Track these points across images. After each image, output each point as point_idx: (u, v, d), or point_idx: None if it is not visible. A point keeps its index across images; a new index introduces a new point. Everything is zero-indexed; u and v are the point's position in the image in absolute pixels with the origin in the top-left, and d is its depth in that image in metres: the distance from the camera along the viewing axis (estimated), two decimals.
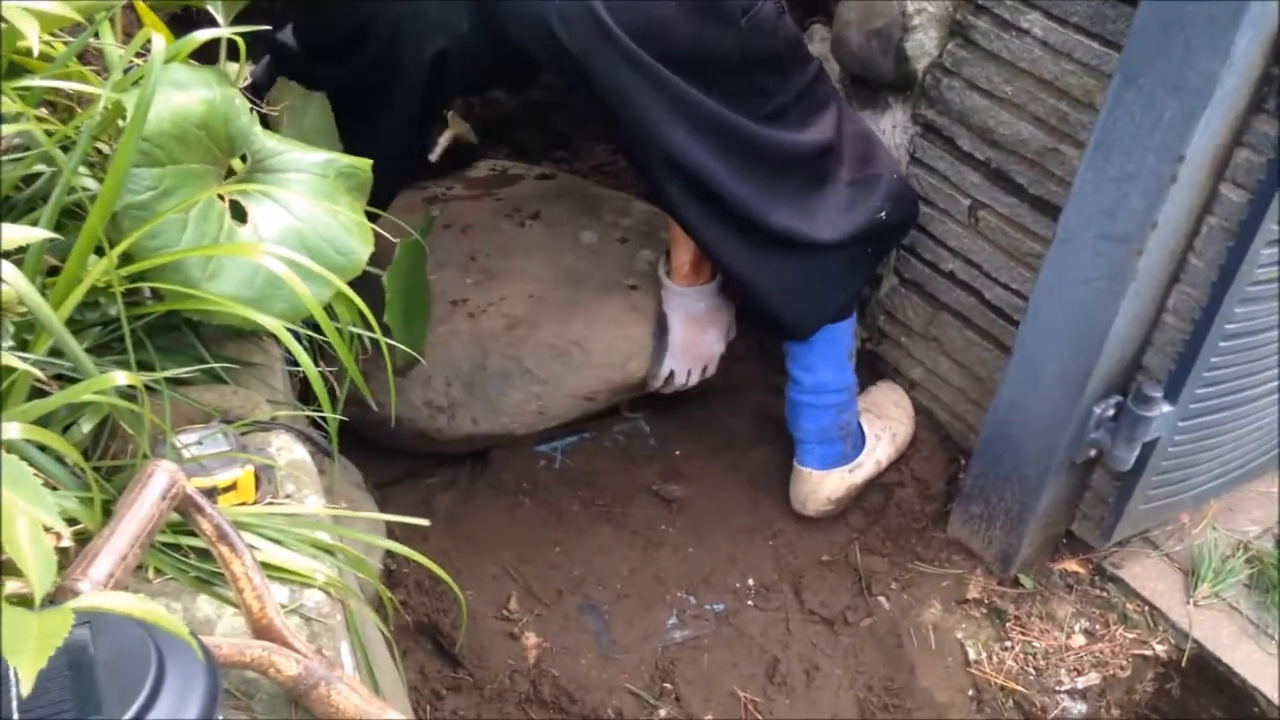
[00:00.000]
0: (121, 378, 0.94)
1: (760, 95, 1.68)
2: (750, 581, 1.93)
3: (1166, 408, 1.61)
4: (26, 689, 0.57)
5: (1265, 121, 1.39)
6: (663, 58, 1.55)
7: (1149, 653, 1.83)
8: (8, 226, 0.81)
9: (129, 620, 0.72)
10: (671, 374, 2.01)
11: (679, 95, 1.59)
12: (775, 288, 1.85)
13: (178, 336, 1.23)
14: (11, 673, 0.67)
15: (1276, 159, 1.39)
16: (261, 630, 0.96)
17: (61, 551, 0.95)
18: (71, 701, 0.71)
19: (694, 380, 2.04)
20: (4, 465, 0.65)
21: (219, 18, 1.24)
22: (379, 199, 1.41)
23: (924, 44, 1.84)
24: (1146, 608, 1.87)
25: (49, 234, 0.87)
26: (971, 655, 1.83)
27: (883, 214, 1.83)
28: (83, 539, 0.96)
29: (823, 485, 1.97)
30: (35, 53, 0.94)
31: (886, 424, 2.07)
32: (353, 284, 1.24)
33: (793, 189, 1.76)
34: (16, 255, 1.01)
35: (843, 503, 2.01)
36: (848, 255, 1.85)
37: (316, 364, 1.18)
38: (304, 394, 1.35)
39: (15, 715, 0.66)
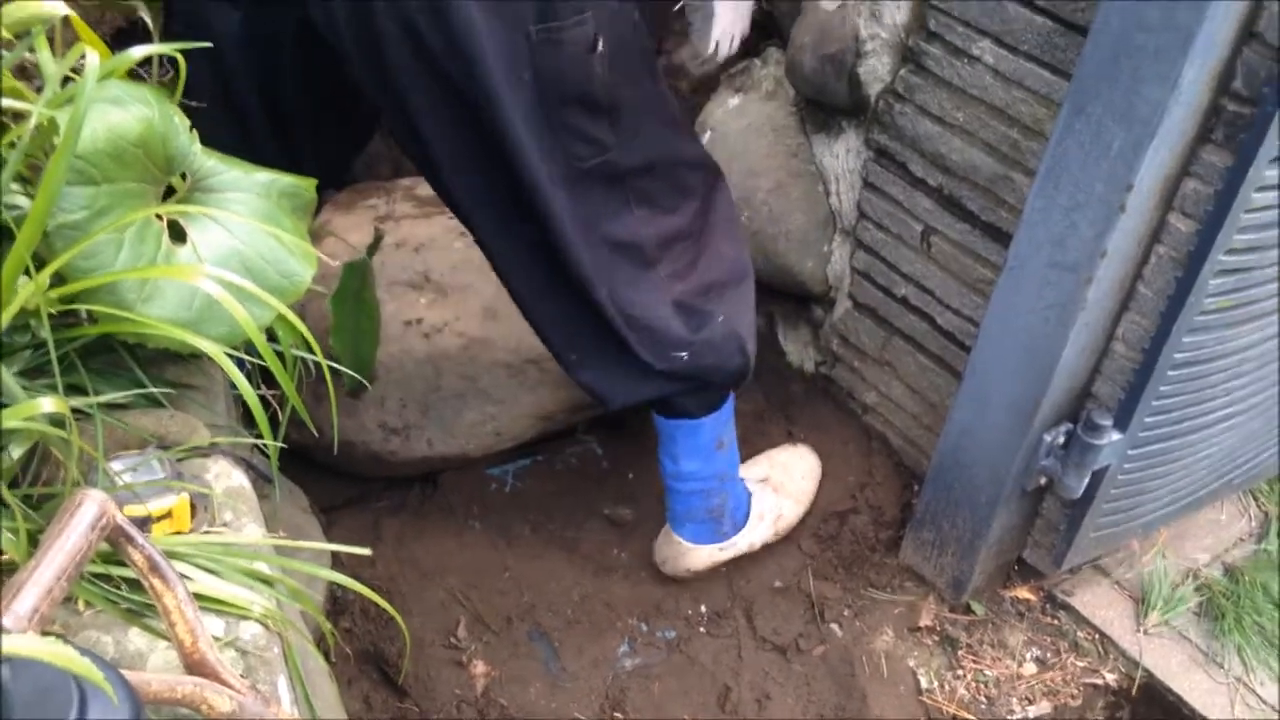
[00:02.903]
0: (48, 404, 0.91)
1: (578, 139, 1.45)
2: (702, 608, 1.91)
3: (1116, 436, 1.61)
4: None
5: (1213, 152, 1.40)
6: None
7: (1100, 681, 1.83)
8: None
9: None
10: (716, 45, 1.81)
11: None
12: (568, 345, 1.65)
13: (114, 359, 1.20)
14: None
15: (1224, 189, 1.40)
16: (194, 665, 0.93)
17: None
18: None
19: (734, 48, 1.82)
20: None
21: (148, 20, 1.21)
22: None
23: (877, 69, 1.84)
24: (1097, 636, 1.87)
25: None
26: (923, 683, 1.83)
27: (683, 355, 1.62)
28: (8, 571, 0.92)
29: (687, 556, 1.89)
30: None
31: (777, 503, 1.97)
32: (300, 304, 1.22)
33: (610, 254, 1.55)
34: None
35: (702, 575, 1.92)
36: (650, 373, 1.63)
37: (260, 387, 1.15)
38: (248, 417, 1.32)
39: None
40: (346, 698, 1.65)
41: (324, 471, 1.94)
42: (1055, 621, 1.91)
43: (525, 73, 1.36)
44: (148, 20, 1.25)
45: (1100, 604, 1.91)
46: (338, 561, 1.69)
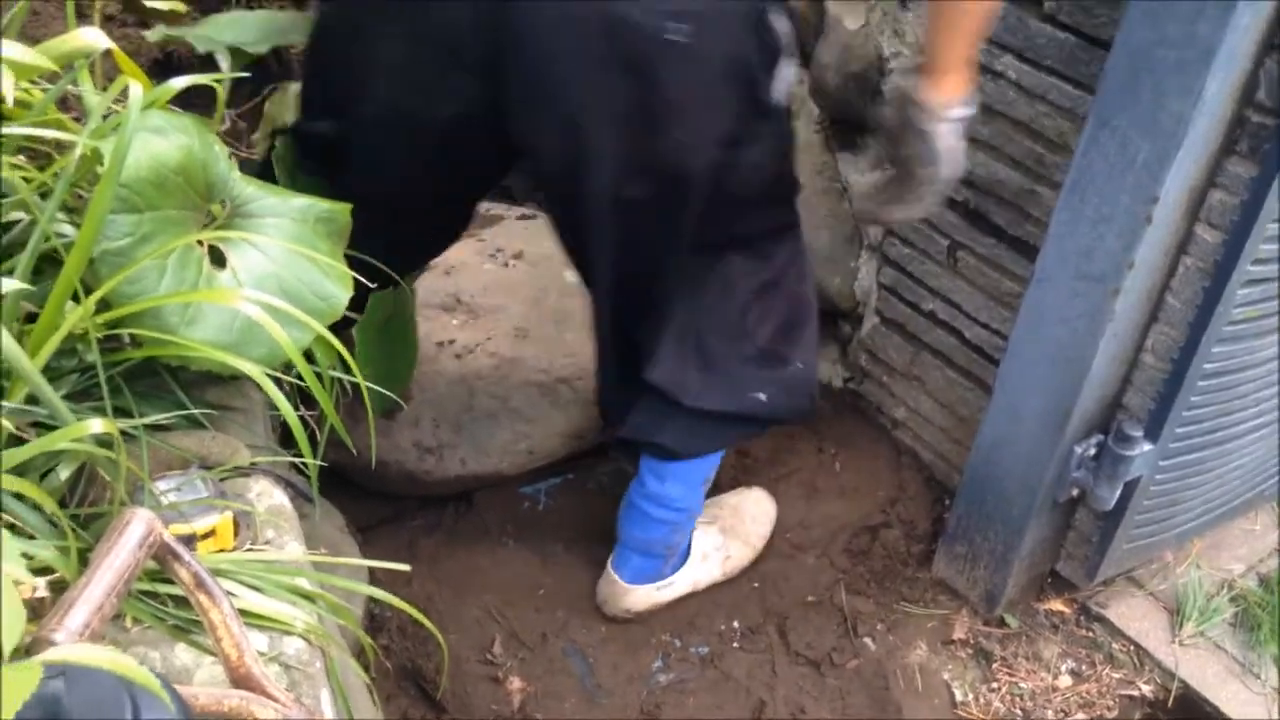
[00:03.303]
0: (97, 425, 0.94)
1: (716, 227, 1.55)
2: (735, 623, 1.92)
3: (1147, 447, 1.62)
4: None
5: (1238, 163, 1.40)
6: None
7: (1135, 693, 1.83)
8: None
9: (103, 672, 0.71)
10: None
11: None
12: (615, 394, 1.73)
13: (157, 382, 1.22)
14: None
15: (1249, 200, 1.40)
16: (240, 679, 0.95)
17: (38, 601, 0.94)
18: None
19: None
20: None
21: (222, 64, 1.24)
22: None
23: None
24: (1132, 647, 1.87)
25: (23, 285, 0.87)
26: (958, 696, 1.83)
27: (761, 396, 1.68)
28: (59, 588, 0.95)
29: (625, 597, 1.88)
30: (10, 101, 0.94)
31: (727, 543, 1.96)
32: (337, 325, 1.24)
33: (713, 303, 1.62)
34: None
35: (643, 615, 1.90)
36: (708, 422, 1.70)
37: (298, 408, 1.18)
38: (286, 438, 1.35)
39: None
40: (385, 713, 1.67)
41: (359, 491, 1.96)
42: (1090, 633, 1.90)
43: (706, 188, 1.46)
44: (219, 58, 1.27)
45: (1135, 615, 1.91)
46: (374, 581, 1.71)
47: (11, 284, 0.84)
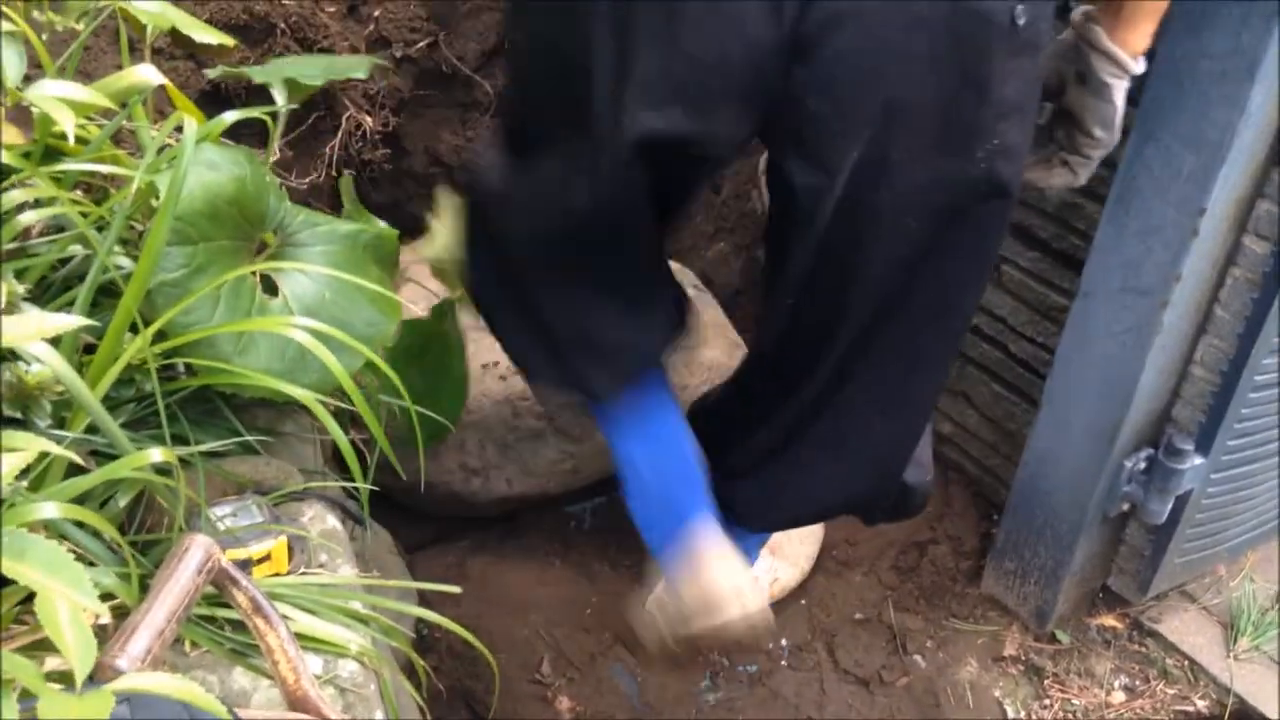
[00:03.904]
0: (157, 454, 0.96)
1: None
2: (783, 641, 1.92)
3: (1198, 460, 1.60)
4: None
5: None
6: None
7: (1190, 708, 1.81)
8: (47, 316, 0.83)
9: (166, 697, 0.73)
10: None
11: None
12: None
13: (211, 409, 1.25)
14: None
15: None
16: (297, 702, 0.96)
17: (100, 628, 0.96)
18: None
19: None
20: (43, 549, 0.67)
21: (278, 98, 1.27)
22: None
23: None
24: (1186, 662, 1.85)
25: (86, 321, 0.89)
26: (1010, 714, 1.81)
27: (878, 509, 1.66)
28: (121, 614, 0.96)
29: None
30: (71, 140, 0.97)
31: (774, 565, 1.93)
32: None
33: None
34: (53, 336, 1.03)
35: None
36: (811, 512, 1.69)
37: (348, 432, 1.19)
38: (336, 460, 1.36)
39: None
40: None
41: (405, 512, 1.97)
42: (1143, 649, 1.88)
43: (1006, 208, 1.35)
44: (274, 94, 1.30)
45: (1188, 630, 1.88)
46: (423, 601, 1.72)
47: (73, 320, 0.86)
